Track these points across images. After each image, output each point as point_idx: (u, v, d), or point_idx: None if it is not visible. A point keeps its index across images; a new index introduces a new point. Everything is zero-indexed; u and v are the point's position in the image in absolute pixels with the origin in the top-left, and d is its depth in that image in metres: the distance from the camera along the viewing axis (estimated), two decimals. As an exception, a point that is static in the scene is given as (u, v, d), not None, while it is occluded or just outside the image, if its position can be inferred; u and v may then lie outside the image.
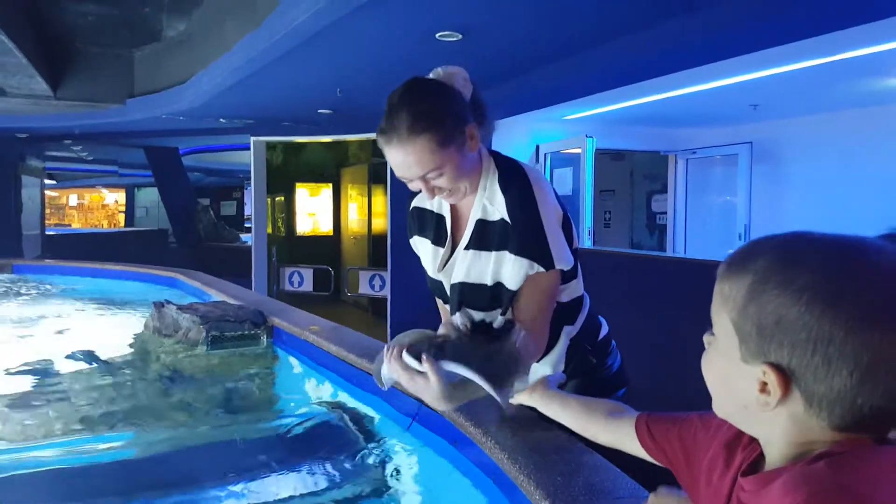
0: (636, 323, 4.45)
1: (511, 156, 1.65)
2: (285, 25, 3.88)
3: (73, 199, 29.24)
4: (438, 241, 1.71)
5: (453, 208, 1.68)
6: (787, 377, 0.70)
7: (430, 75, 1.57)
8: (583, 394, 1.70)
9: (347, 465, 2.13)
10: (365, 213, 10.42)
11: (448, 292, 1.70)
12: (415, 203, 1.78)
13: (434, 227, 1.72)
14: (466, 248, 1.63)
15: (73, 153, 12.83)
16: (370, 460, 2.12)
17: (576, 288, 1.70)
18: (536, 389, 1.40)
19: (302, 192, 11.54)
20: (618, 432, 1.17)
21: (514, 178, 1.56)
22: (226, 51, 5.09)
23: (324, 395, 2.71)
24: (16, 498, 1.98)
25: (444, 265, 1.69)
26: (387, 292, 8.17)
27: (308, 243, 11.32)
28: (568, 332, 1.68)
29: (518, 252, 1.52)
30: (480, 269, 1.60)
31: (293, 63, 4.74)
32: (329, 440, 2.32)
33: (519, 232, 1.53)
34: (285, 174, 11.17)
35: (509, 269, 1.55)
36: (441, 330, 1.58)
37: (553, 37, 4.15)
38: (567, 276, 1.62)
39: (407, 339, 1.43)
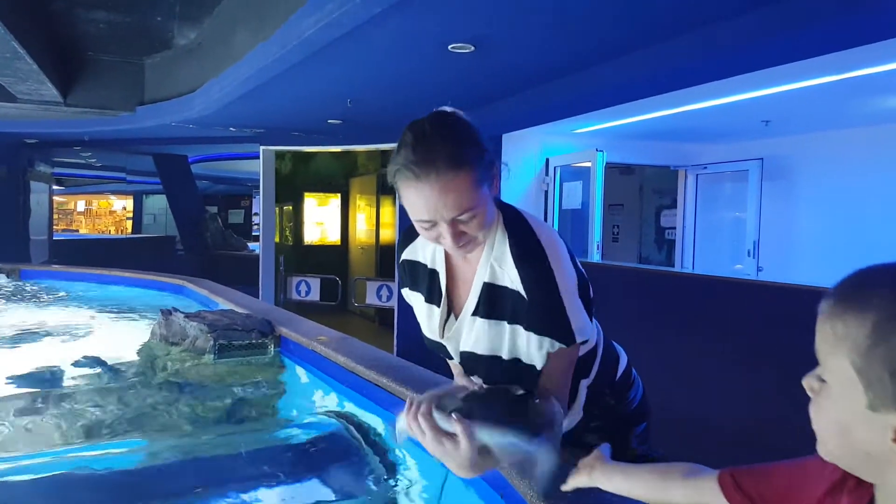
0: (644, 338, 4.42)
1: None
2: (296, 36, 3.88)
3: (80, 205, 29.37)
4: (432, 298, 1.56)
5: (449, 264, 1.54)
6: None
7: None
8: (602, 433, 1.59)
9: (353, 477, 2.11)
10: (373, 223, 10.43)
11: (454, 356, 1.57)
12: (405, 256, 1.62)
13: (427, 282, 1.57)
14: (474, 314, 1.47)
15: (81, 159, 12.90)
16: (376, 472, 2.10)
17: (590, 341, 1.58)
18: (595, 467, 1.29)
19: (310, 201, 11.56)
20: (700, 491, 1.07)
21: (529, 249, 1.41)
22: (236, 60, 5.11)
23: (330, 406, 2.69)
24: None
25: (444, 328, 1.55)
26: (394, 303, 8.15)
27: (316, 253, 11.33)
28: (585, 384, 1.59)
29: (539, 332, 1.39)
30: (495, 341, 1.46)
31: (304, 74, 4.75)
32: (335, 451, 2.30)
33: (538, 311, 1.39)
34: (294, 183, 11.21)
35: (525, 345, 1.42)
36: (458, 382, 1.48)
37: (565, 50, 4.15)
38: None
39: (429, 396, 1.29)
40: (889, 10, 3.08)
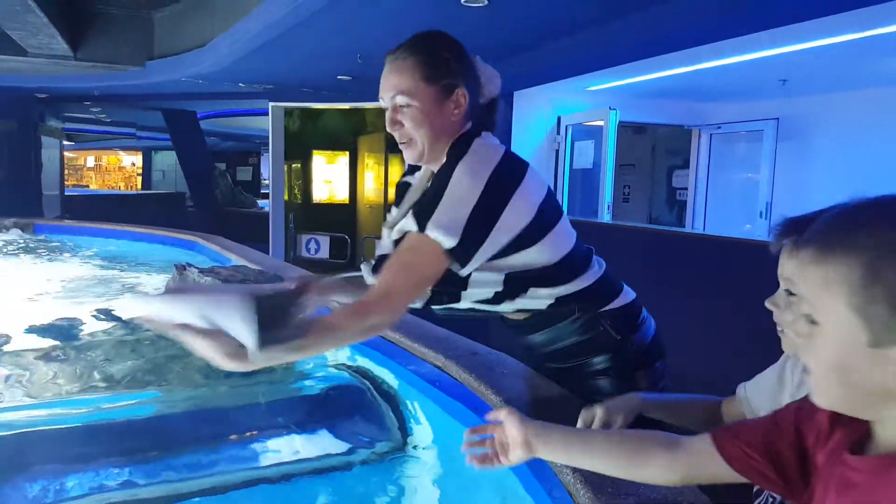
0: (653, 298, 4.41)
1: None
2: (308, -11, 3.83)
3: (90, 161, 29.38)
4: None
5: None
6: None
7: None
8: (615, 373, 1.57)
9: (365, 428, 2.14)
10: (381, 181, 10.40)
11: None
12: (402, 180, 1.71)
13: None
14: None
15: (91, 114, 12.87)
16: (387, 423, 2.13)
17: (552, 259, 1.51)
18: (526, 436, 1.07)
19: (318, 159, 11.50)
20: (695, 456, 0.95)
21: (450, 157, 1.44)
22: (246, 14, 5.05)
23: (343, 360, 2.72)
24: (40, 451, 2.01)
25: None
26: (402, 261, 8.16)
27: (324, 211, 11.32)
28: (546, 293, 1.52)
29: (410, 210, 1.42)
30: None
31: (314, 29, 4.69)
32: (347, 403, 2.34)
33: (422, 196, 1.49)
34: (302, 141, 11.14)
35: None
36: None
37: (580, 5, 4.08)
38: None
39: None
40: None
